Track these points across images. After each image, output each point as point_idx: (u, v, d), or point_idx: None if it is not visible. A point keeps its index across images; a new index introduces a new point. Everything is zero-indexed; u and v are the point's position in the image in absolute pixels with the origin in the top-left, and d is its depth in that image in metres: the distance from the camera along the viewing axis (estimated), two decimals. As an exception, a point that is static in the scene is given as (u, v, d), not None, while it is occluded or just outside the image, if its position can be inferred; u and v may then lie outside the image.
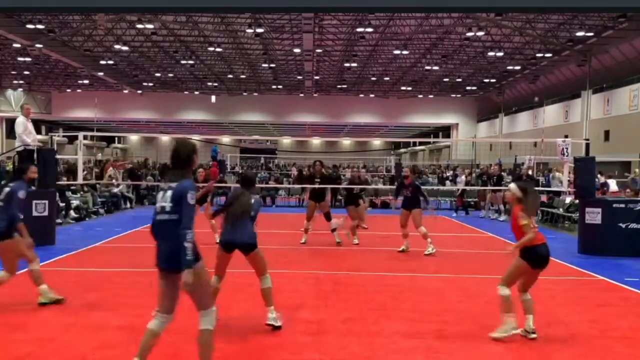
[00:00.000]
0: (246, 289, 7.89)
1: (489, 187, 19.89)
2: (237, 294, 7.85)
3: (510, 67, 41.32)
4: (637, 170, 26.47)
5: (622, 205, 12.16)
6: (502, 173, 21.55)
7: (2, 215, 6.96)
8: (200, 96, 51.99)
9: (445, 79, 46.89)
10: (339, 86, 50.09)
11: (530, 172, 20.88)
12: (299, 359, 5.65)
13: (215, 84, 50.28)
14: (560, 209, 17.75)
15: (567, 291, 8.80)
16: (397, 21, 30.99)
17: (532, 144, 24.71)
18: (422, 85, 49.60)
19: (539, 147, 21.10)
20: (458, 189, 22.80)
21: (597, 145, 28.05)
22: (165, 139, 61.27)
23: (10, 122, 39.67)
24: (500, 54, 36.47)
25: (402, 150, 71.35)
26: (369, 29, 31.10)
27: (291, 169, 37.29)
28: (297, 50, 35.55)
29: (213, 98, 50.07)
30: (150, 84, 50.51)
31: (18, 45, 34.65)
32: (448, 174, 30.89)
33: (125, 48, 36.08)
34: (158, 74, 46.59)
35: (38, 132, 15.70)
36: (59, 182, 15.19)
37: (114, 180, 21.12)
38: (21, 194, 7.10)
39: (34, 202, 11.96)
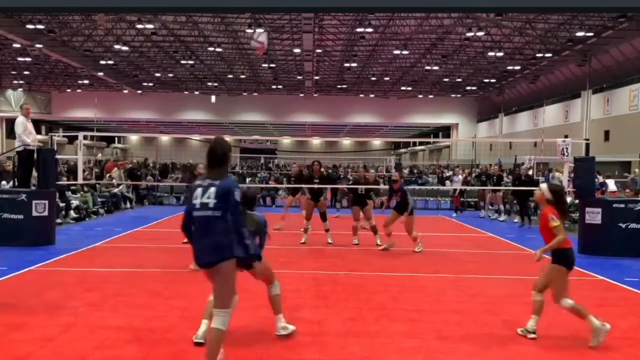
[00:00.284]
0: (247, 289, 7.86)
1: (488, 187, 19.89)
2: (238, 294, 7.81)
3: (510, 67, 41.29)
4: (637, 170, 26.46)
5: (622, 205, 12.13)
6: (502, 173, 21.54)
7: None
8: (200, 96, 51.98)
9: (445, 79, 46.88)
10: (339, 86, 50.08)
11: (529, 172, 20.85)
12: (299, 359, 5.64)
13: (215, 84, 50.28)
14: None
15: (567, 291, 8.79)
16: (397, 21, 30.97)
17: (532, 144, 24.72)
18: (422, 85, 49.58)
19: (539, 147, 21.12)
20: (456, 190, 22.77)
21: (597, 145, 28.06)
22: (165, 139, 61.24)
23: (10, 122, 39.71)
24: (500, 54, 36.44)
25: (402, 150, 71.38)
26: (369, 29, 31.06)
27: (291, 168, 37.13)
28: (297, 50, 35.53)
29: (213, 98, 50.04)
30: (150, 84, 50.51)
31: (18, 45, 34.63)
32: (448, 174, 30.87)
33: (125, 48, 36.08)
34: (158, 74, 46.59)
35: (38, 132, 15.71)
36: (59, 182, 15.19)
37: (113, 181, 21.14)
38: None
39: (34, 202, 11.97)
